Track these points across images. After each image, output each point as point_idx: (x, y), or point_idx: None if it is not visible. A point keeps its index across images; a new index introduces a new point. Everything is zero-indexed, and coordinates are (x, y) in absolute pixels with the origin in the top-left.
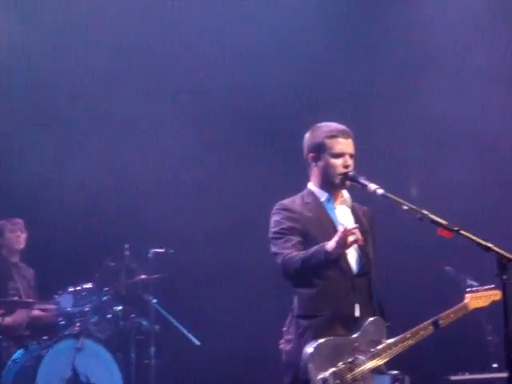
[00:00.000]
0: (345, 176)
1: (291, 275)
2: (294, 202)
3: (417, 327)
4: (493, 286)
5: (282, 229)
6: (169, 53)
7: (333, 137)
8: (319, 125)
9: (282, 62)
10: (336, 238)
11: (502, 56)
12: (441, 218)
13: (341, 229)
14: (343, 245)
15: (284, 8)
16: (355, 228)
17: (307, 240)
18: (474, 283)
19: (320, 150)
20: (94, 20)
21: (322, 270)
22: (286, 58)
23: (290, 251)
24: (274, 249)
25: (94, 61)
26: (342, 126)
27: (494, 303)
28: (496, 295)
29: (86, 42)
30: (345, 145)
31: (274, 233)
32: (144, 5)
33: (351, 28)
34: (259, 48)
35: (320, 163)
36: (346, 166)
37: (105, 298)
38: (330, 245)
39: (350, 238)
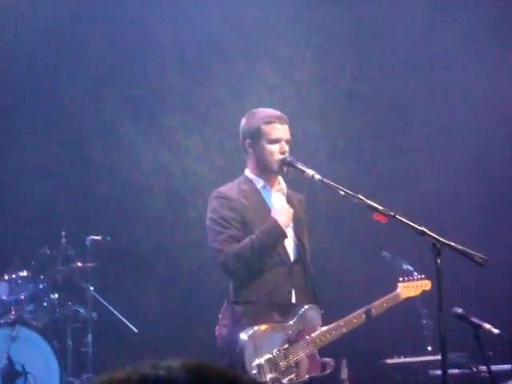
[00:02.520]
0: (282, 161)
1: (235, 272)
2: (231, 189)
3: (350, 316)
4: (423, 276)
5: (219, 217)
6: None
7: (269, 123)
8: (255, 110)
9: None
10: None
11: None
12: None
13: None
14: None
15: None
16: None
17: (245, 227)
18: (410, 268)
19: (257, 136)
20: None
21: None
22: None
23: (229, 247)
24: (213, 244)
25: None
26: (277, 112)
27: (424, 292)
28: (426, 285)
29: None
30: (281, 131)
31: (211, 221)
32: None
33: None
34: None
35: (257, 149)
36: (283, 152)
37: (41, 286)
38: (281, 219)
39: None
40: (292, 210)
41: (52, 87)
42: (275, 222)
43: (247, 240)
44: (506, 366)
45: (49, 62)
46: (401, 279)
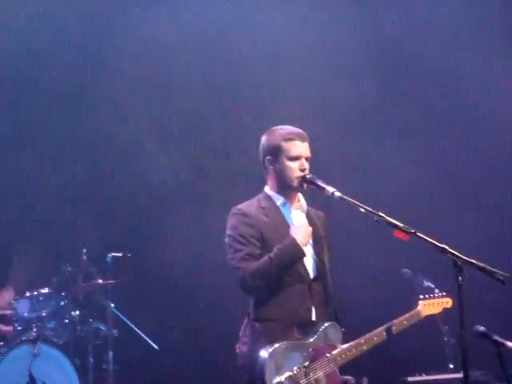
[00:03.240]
0: (302, 179)
1: (252, 287)
2: (250, 206)
3: (371, 333)
4: (444, 293)
5: (238, 234)
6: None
7: (289, 140)
8: (275, 128)
9: None
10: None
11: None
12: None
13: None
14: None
15: None
16: None
17: (264, 244)
18: (431, 285)
19: (277, 153)
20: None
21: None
22: None
23: (248, 264)
24: (232, 261)
25: None
26: (298, 129)
27: (445, 309)
28: (447, 303)
29: None
30: (301, 148)
31: (230, 238)
32: None
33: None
34: None
35: (277, 166)
36: (303, 169)
37: (62, 303)
38: (299, 237)
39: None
40: (310, 228)
41: (77, 109)
42: (293, 240)
43: (265, 258)
44: None
45: (73, 85)
46: (421, 297)
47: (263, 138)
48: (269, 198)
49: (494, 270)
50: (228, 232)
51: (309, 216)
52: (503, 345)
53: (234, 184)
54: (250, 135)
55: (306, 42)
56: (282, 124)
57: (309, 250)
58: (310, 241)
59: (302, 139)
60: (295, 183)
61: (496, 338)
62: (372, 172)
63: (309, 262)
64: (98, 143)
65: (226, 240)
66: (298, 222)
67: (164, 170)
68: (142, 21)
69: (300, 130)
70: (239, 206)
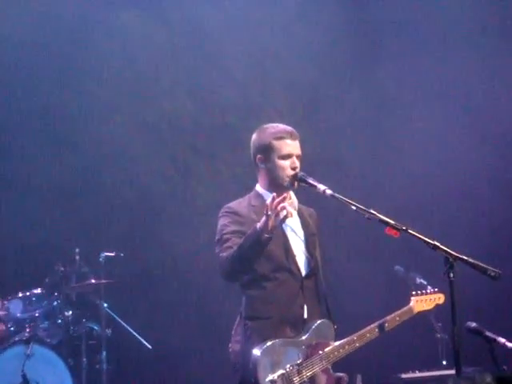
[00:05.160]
0: (294, 177)
1: (228, 272)
2: (241, 204)
3: (363, 330)
4: (436, 289)
5: (227, 232)
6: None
7: (280, 138)
8: (266, 126)
9: None
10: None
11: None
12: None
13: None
14: (272, 217)
15: None
16: (282, 199)
17: None
18: (424, 281)
19: (267, 151)
20: None
21: (270, 270)
22: None
23: (226, 252)
24: (217, 254)
25: None
26: (289, 128)
27: (438, 306)
28: (440, 298)
29: None
30: (292, 146)
31: (219, 236)
32: None
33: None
34: None
35: (268, 165)
36: (294, 168)
37: (55, 303)
38: (261, 221)
39: (281, 206)
40: (283, 205)
41: (64, 113)
42: (255, 225)
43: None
44: None
45: (60, 87)
46: (414, 293)
47: (254, 136)
48: (260, 196)
49: (485, 266)
50: (218, 229)
51: (300, 213)
52: (495, 340)
53: (220, 184)
54: (236, 136)
55: (292, 42)
56: (268, 123)
57: (300, 247)
58: (302, 238)
59: (293, 137)
60: (286, 181)
61: (488, 333)
62: (361, 170)
63: (301, 260)
64: (87, 144)
65: (216, 237)
66: (290, 220)
67: (152, 171)
68: (128, 21)
69: (291, 128)
70: (230, 205)
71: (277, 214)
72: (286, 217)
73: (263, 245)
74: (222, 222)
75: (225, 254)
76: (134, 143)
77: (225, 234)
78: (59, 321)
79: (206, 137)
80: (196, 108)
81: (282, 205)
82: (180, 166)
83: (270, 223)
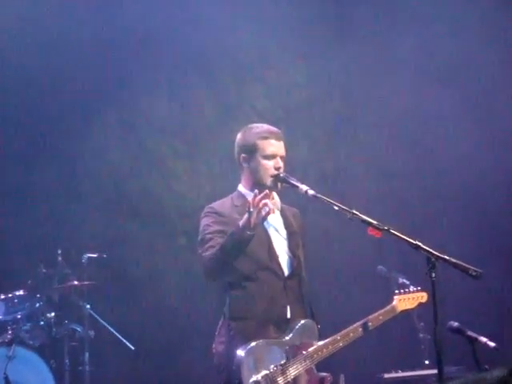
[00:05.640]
0: (276, 177)
1: (211, 271)
2: (223, 204)
3: (347, 329)
4: (419, 288)
5: (209, 232)
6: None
7: (265, 138)
8: (251, 126)
9: None
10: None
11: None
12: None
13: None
14: (254, 214)
15: None
16: (264, 196)
17: None
18: (406, 281)
19: (252, 151)
20: None
21: (252, 270)
22: None
23: (209, 251)
24: (200, 254)
25: None
26: (273, 128)
27: (420, 305)
28: (423, 297)
29: None
30: (277, 147)
31: (202, 236)
32: None
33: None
34: None
35: (251, 164)
36: (278, 168)
37: (37, 305)
38: (243, 219)
39: (263, 202)
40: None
41: (43, 114)
42: (237, 225)
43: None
44: None
45: (37, 87)
46: (397, 292)
47: (238, 136)
48: (242, 196)
49: (466, 265)
50: (200, 229)
51: (283, 214)
52: (477, 340)
53: (199, 184)
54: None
55: (271, 37)
56: (248, 123)
57: (283, 247)
58: (285, 238)
59: (278, 138)
60: (269, 182)
61: (470, 333)
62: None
63: (283, 259)
64: (65, 144)
65: (199, 238)
66: (273, 220)
67: (132, 172)
68: (105, 15)
69: (275, 129)
70: (212, 205)
71: (259, 211)
72: (268, 213)
73: (245, 242)
74: (204, 222)
75: (207, 254)
76: (113, 143)
77: (207, 233)
78: (41, 322)
79: (184, 137)
80: (175, 107)
81: (264, 201)
82: (159, 166)
83: (252, 220)
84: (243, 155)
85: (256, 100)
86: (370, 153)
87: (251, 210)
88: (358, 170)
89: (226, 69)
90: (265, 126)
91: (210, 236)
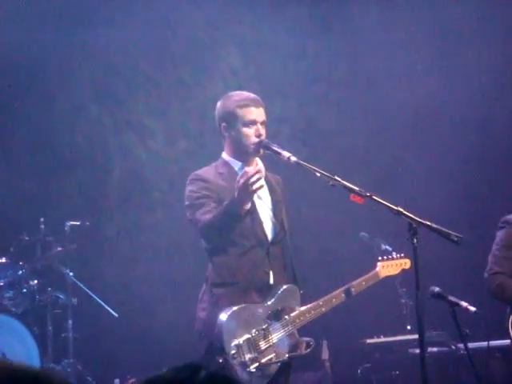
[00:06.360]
0: (258, 144)
1: (211, 237)
2: (208, 171)
3: (329, 295)
4: (402, 254)
5: (199, 197)
6: None
7: (244, 106)
8: (230, 94)
9: None
10: (237, 184)
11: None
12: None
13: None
14: (246, 188)
15: None
16: (256, 172)
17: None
18: (389, 248)
19: (232, 119)
20: None
21: (236, 236)
22: None
23: (206, 216)
24: (190, 216)
25: None
26: (252, 95)
27: (404, 271)
28: (406, 263)
29: None
30: (256, 113)
31: (191, 201)
32: None
33: None
34: None
35: (232, 132)
36: (259, 135)
37: (20, 272)
38: (235, 196)
39: (254, 179)
40: (258, 176)
41: (19, 73)
42: (233, 197)
43: (216, 211)
44: (483, 344)
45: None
46: (380, 258)
47: (218, 105)
48: (226, 163)
49: (448, 231)
50: (187, 195)
51: (267, 180)
52: (458, 304)
53: (174, 141)
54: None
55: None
56: (223, 87)
57: (267, 213)
58: (269, 204)
59: (257, 105)
60: (251, 149)
61: (451, 298)
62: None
63: (267, 226)
64: (43, 113)
65: (186, 204)
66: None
67: (108, 132)
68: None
69: (254, 96)
70: (197, 172)
71: (252, 191)
72: (258, 188)
73: (243, 217)
74: (191, 188)
75: (205, 218)
76: (89, 103)
77: (198, 198)
78: (24, 290)
79: (159, 95)
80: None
81: (257, 176)
82: (134, 125)
83: (247, 199)
84: (223, 124)
85: (229, 58)
86: (342, 110)
87: (247, 188)
88: (329, 127)
89: (199, 27)
90: (244, 94)
91: (202, 201)
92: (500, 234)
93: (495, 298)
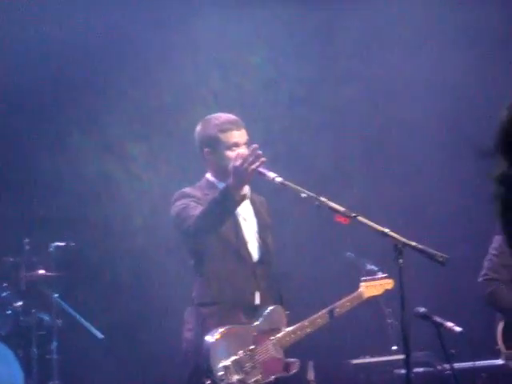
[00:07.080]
0: None
1: (203, 231)
2: (194, 190)
3: (314, 316)
4: (386, 274)
5: (186, 205)
6: None
7: (226, 130)
8: (209, 117)
9: None
10: (233, 170)
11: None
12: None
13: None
14: (242, 172)
15: None
16: (252, 150)
17: None
18: (374, 268)
19: (214, 144)
20: None
21: (222, 256)
22: None
23: (197, 211)
24: (179, 221)
25: None
26: (232, 116)
27: (387, 291)
28: (389, 284)
29: None
30: (239, 136)
31: (179, 211)
32: None
33: None
34: None
35: (216, 157)
36: None
37: (4, 294)
38: (231, 179)
39: (250, 159)
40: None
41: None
42: (227, 185)
43: (210, 199)
44: (469, 364)
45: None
46: (363, 278)
47: (198, 129)
48: (212, 184)
49: (433, 251)
50: (176, 210)
51: (252, 201)
52: (443, 325)
53: (156, 166)
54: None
55: (229, 20)
56: (205, 109)
57: (253, 234)
58: (255, 226)
59: (238, 127)
60: None
61: (436, 318)
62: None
63: (253, 246)
64: (26, 135)
65: (173, 215)
66: (242, 208)
67: (91, 155)
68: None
69: (234, 117)
70: (184, 190)
71: (252, 169)
72: (261, 163)
73: (238, 203)
74: (179, 202)
75: (198, 211)
76: (69, 127)
77: (187, 206)
78: (9, 311)
79: (141, 119)
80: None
81: (254, 155)
82: (116, 150)
83: (243, 182)
84: (206, 149)
85: (211, 81)
86: (323, 134)
87: (244, 165)
88: (311, 152)
89: (183, 50)
90: (222, 117)
91: (191, 205)
92: (498, 239)
93: (487, 304)
